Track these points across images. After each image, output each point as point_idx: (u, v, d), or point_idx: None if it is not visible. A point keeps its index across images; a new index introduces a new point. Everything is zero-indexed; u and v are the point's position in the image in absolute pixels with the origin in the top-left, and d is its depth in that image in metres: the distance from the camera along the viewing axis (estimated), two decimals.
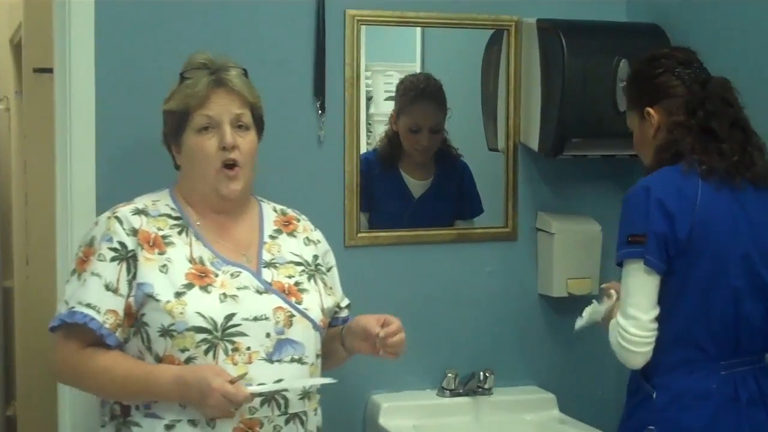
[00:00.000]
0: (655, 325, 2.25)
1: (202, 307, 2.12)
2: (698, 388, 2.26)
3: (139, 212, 2.22)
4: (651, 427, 2.27)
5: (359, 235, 2.86)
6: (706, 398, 2.26)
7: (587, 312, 2.47)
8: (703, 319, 2.26)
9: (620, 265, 2.31)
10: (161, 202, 2.27)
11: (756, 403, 2.30)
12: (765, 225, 2.33)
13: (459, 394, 2.91)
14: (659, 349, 2.27)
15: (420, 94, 2.95)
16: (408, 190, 2.99)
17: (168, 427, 2.11)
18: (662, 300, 2.26)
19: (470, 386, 2.92)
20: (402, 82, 2.93)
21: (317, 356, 2.25)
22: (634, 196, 2.30)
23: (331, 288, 2.37)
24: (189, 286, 2.14)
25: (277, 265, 2.27)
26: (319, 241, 2.40)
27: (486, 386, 2.92)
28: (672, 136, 2.33)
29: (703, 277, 2.25)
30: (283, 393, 2.16)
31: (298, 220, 2.40)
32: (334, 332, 2.38)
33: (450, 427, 2.86)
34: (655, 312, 2.25)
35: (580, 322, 2.48)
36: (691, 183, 2.27)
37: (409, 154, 2.97)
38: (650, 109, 2.39)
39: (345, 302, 2.46)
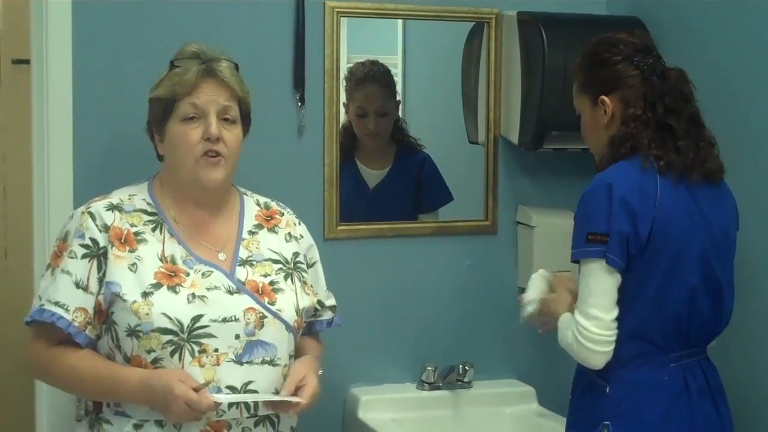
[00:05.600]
0: (616, 324, 2.23)
1: (168, 308, 2.09)
2: (651, 380, 2.26)
3: (113, 208, 2.19)
4: (606, 422, 2.25)
5: (339, 227, 2.85)
6: (659, 390, 2.25)
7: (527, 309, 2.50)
8: (658, 315, 2.25)
9: (576, 262, 2.29)
10: (138, 196, 2.24)
11: (704, 394, 2.31)
12: (719, 221, 2.32)
13: (438, 388, 2.91)
14: None
15: (363, 78, 2.93)
16: (363, 179, 2.98)
17: (136, 426, 2.10)
18: (619, 297, 2.25)
19: (450, 379, 2.91)
20: (349, 69, 2.90)
21: (290, 357, 2.22)
22: (595, 193, 2.25)
23: (311, 286, 2.34)
24: (157, 285, 2.12)
25: (254, 262, 2.24)
26: (302, 236, 2.37)
27: (465, 379, 2.92)
28: (629, 129, 2.28)
29: (661, 274, 2.24)
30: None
31: (282, 214, 2.37)
32: (303, 343, 2.30)
33: (429, 421, 2.86)
34: (616, 311, 2.23)
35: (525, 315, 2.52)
36: (650, 179, 2.24)
37: (362, 142, 2.96)
38: (605, 98, 2.32)
39: (330, 302, 2.42)
